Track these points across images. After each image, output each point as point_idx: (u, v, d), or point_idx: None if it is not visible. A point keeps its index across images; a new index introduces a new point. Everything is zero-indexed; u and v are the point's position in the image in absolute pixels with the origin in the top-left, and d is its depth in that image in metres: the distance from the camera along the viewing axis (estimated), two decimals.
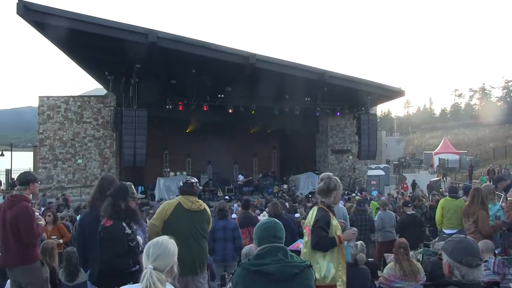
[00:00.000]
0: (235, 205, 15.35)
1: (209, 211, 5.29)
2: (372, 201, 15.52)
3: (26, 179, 5.32)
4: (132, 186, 4.48)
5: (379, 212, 10.49)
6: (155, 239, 2.73)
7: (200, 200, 5.23)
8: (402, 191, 24.60)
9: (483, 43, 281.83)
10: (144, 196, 24.70)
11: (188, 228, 4.91)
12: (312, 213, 4.45)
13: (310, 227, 4.35)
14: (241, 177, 28.49)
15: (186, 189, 5.14)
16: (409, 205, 10.42)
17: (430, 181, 30.64)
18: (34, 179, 5.35)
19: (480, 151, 48.60)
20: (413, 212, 10.03)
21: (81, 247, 4.80)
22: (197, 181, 5.40)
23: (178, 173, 28.48)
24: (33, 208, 5.41)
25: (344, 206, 10.72)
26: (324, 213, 4.36)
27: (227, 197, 20.80)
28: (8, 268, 5.19)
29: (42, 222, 5.47)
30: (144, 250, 2.67)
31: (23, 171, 5.84)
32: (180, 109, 24.26)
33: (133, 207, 4.37)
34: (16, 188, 5.48)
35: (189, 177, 5.46)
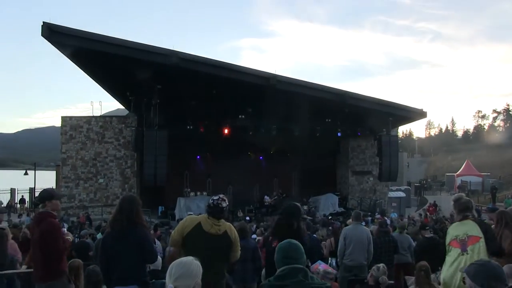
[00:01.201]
0: (254, 226, 15.24)
1: (232, 234, 4.98)
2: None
3: (40, 196, 5.47)
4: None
5: (395, 234, 10.31)
6: (180, 259, 2.74)
7: (221, 223, 4.93)
8: (427, 213, 24.36)
9: (507, 63, 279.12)
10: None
11: (203, 250, 4.55)
12: (467, 226, 4.79)
13: (464, 238, 4.69)
14: (267, 198, 28.43)
15: (212, 212, 4.89)
16: (427, 228, 10.23)
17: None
18: (50, 197, 5.41)
19: (504, 173, 47.78)
20: (432, 235, 9.81)
21: (104, 266, 4.80)
22: (227, 204, 5.02)
23: (198, 193, 28.52)
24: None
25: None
26: (486, 224, 5.00)
27: (247, 218, 20.65)
28: (38, 284, 5.25)
29: (69, 237, 5.55)
30: (168, 269, 2.68)
31: (43, 189, 5.96)
32: (201, 130, 24.39)
33: (302, 227, 4.47)
34: (39, 207, 5.59)
35: (221, 197, 5.03)
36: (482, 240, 4.61)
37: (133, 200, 4.90)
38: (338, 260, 8.51)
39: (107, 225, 5.00)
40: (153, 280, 5.07)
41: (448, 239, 4.91)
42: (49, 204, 5.33)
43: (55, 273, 5.18)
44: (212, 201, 4.97)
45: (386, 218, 18.32)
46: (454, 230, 4.87)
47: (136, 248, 4.63)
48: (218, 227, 4.86)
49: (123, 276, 4.57)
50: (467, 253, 4.59)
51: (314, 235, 10.97)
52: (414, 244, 10.02)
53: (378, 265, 6.10)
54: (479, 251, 4.56)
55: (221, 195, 5.09)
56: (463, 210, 4.95)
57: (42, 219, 5.21)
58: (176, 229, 5.03)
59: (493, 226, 6.90)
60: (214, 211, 4.89)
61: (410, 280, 6.40)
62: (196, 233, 4.79)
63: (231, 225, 5.16)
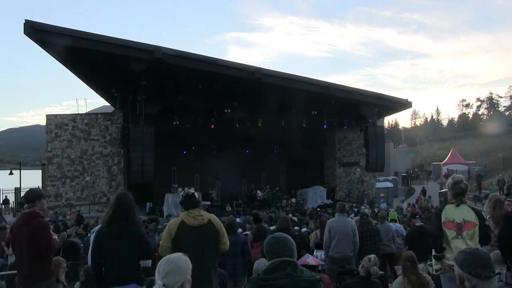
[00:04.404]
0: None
1: (216, 222, 4.98)
2: (391, 212, 15.22)
3: (29, 196, 5.37)
4: None
5: (383, 226, 10.39)
6: (168, 256, 2.73)
7: (203, 213, 4.96)
8: (414, 203, 24.66)
9: (490, 52, 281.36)
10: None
11: (194, 246, 4.67)
12: (464, 211, 4.90)
13: (460, 222, 4.81)
14: (259, 193, 28.41)
15: (188, 204, 4.92)
16: (417, 216, 10.33)
17: (439, 192, 30.49)
18: (40, 196, 5.34)
19: (489, 161, 48.31)
20: (421, 224, 9.92)
21: (97, 266, 4.75)
22: (196, 190, 5.15)
23: (186, 188, 28.39)
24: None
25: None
26: (479, 211, 5.10)
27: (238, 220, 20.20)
28: (25, 286, 5.16)
29: (56, 237, 5.51)
30: (157, 266, 2.67)
31: (29, 189, 5.88)
32: (187, 124, 24.32)
33: None
34: (24, 207, 5.50)
35: (187, 189, 5.19)
36: (477, 227, 4.77)
37: (130, 198, 4.88)
38: (324, 252, 8.53)
39: (104, 224, 4.91)
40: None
41: (443, 218, 4.95)
42: (38, 204, 5.25)
43: (45, 273, 5.12)
44: (181, 196, 5.01)
45: (375, 209, 18.43)
46: (451, 213, 4.92)
47: (134, 246, 4.62)
48: (201, 217, 4.86)
49: (121, 275, 4.55)
50: (462, 237, 4.72)
51: (304, 228, 11.01)
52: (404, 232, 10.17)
53: (369, 256, 6.14)
54: (471, 237, 4.69)
55: (185, 188, 5.14)
56: (460, 195, 4.99)
57: (31, 219, 5.11)
58: (162, 237, 5.01)
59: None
60: (188, 202, 4.92)
61: (400, 270, 6.45)
62: (183, 231, 4.78)
63: (212, 215, 5.14)
